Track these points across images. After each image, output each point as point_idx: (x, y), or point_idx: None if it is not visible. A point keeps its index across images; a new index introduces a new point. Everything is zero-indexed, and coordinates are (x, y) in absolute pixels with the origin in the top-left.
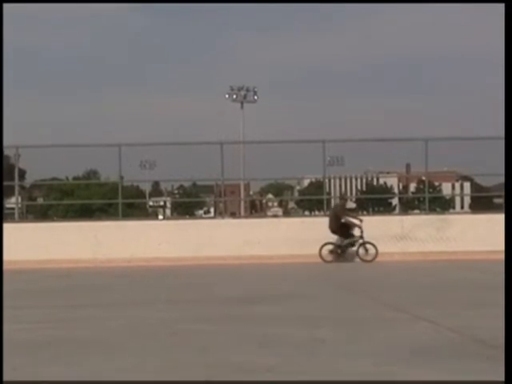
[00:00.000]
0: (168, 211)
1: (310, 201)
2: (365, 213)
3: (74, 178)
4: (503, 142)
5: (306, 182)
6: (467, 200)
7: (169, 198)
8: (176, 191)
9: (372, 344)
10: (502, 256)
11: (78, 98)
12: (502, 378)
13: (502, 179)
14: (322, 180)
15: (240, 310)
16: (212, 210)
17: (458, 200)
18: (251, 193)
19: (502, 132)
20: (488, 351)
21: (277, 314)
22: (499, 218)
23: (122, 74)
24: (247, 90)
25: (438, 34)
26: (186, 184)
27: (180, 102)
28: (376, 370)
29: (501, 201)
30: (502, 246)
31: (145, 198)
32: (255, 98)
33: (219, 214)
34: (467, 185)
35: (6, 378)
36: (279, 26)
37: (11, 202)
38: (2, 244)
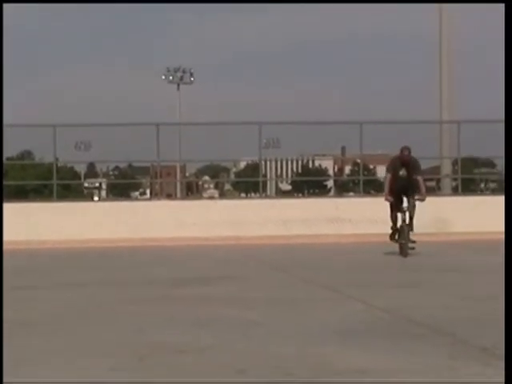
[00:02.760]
0: (104, 193)
1: (246, 183)
2: (300, 195)
3: (8, 159)
4: (438, 125)
5: (243, 165)
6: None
7: (104, 180)
8: (112, 173)
9: (305, 325)
10: (440, 238)
11: (11, 78)
12: (431, 358)
13: (436, 162)
14: (258, 162)
15: (174, 292)
16: (148, 191)
17: None
18: (187, 174)
19: (436, 116)
20: (418, 330)
21: (211, 296)
22: (434, 200)
23: (57, 53)
24: (183, 72)
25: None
26: (122, 165)
27: (116, 83)
28: (308, 351)
29: (433, 184)
30: (439, 229)
31: (80, 179)
32: (191, 79)
33: (155, 195)
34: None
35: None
36: (216, 8)
37: None
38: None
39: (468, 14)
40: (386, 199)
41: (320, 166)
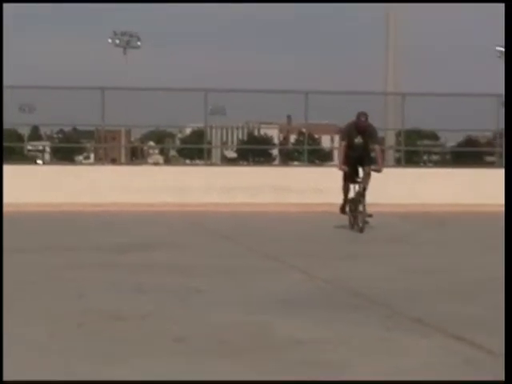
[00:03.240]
0: (47, 156)
1: (192, 149)
2: (245, 163)
3: None
4: (383, 97)
5: (188, 131)
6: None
7: (48, 143)
8: (56, 136)
9: (246, 293)
10: (384, 209)
11: None
12: (367, 328)
13: (380, 133)
14: (203, 129)
15: (117, 258)
16: (92, 155)
17: (336, 152)
18: (132, 140)
19: (382, 87)
20: (357, 301)
21: (153, 262)
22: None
23: (4, 15)
24: (130, 36)
25: None
26: (66, 129)
27: (63, 46)
28: (248, 319)
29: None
30: (380, 199)
31: (23, 142)
32: (138, 43)
33: (99, 160)
34: None
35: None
36: None
37: None
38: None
39: None
40: (340, 168)
41: (265, 134)
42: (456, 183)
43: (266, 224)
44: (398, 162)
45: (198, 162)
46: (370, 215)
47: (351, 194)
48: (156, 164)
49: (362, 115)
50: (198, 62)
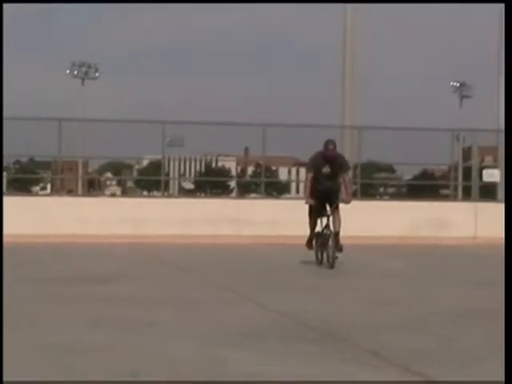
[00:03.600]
0: (4, 187)
1: (149, 181)
2: (203, 195)
3: None
4: (339, 129)
5: (146, 162)
6: (303, 185)
7: (5, 173)
8: (12, 166)
9: (202, 326)
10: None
11: None
12: (322, 362)
13: None
14: (161, 160)
15: (72, 290)
16: (49, 186)
17: (293, 185)
18: (89, 171)
19: (338, 120)
20: (312, 334)
21: (110, 295)
22: None
23: None
24: (89, 67)
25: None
26: (23, 159)
27: (19, 75)
28: (203, 353)
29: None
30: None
31: None
32: (96, 74)
33: (55, 191)
34: (303, 170)
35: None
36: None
37: None
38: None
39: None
40: (307, 202)
41: (223, 166)
42: (412, 216)
43: (223, 256)
44: (355, 195)
45: (155, 193)
46: (341, 249)
47: (318, 228)
48: (113, 195)
49: (330, 143)
50: (156, 93)
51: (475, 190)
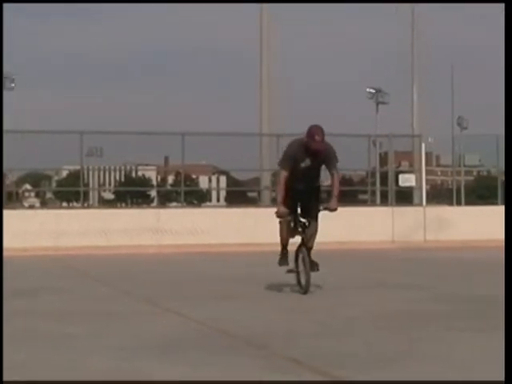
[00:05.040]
0: None
1: (68, 192)
2: (123, 205)
3: None
4: (258, 138)
5: (65, 173)
6: (223, 193)
7: None
8: None
9: (120, 338)
10: (257, 248)
11: None
12: (244, 370)
13: (256, 174)
14: (79, 171)
15: None
16: None
17: (214, 193)
18: (7, 183)
19: (256, 129)
20: (233, 342)
21: (28, 308)
22: (252, 212)
23: None
24: (5, 77)
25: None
26: None
27: None
28: (123, 365)
29: (255, 194)
30: (255, 239)
31: None
32: (12, 85)
33: None
34: (223, 178)
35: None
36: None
37: None
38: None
39: (291, 26)
40: (279, 212)
41: (143, 175)
42: (333, 220)
43: (143, 266)
44: (274, 202)
45: (75, 204)
46: (316, 267)
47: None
48: (32, 207)
49: (318, 132)
50: (74, 103)
51: (392, 195)
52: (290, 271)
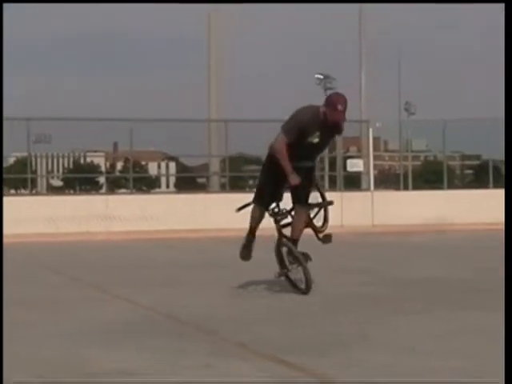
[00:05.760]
0: None
1: (16, 179)
2: (72, 191)
3: None
4: (206, 124)
5: (12, 160)
6: (172, 180)
7: None
8: None
9: (68, 325)
10: (206, 234)
11: None
12: (191, 356)
13: (205, 160)
14: (27, 158)
15: None
16: None
17: (163, 179)
18: None
19: (205, 115)
20: (181, 328)
21: None
22: (201, 198)
23: None
24: None
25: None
26: None
27: None
28: (71, 352)
29: (204, 180)
30: (205, 225)
31: None
32: None
33: None
34: (172, 165)
35: None
36: None
37: None
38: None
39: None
40: (294, 181)
41: (92, 162)
42: (282, 206)
43: (92, 253)
44: (223, 188)
45: (23, 191)
46: (308, 257)
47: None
48: None
49: (340, 99)
50: (20, 90)
51: (340, 180)
52: (281, 275)
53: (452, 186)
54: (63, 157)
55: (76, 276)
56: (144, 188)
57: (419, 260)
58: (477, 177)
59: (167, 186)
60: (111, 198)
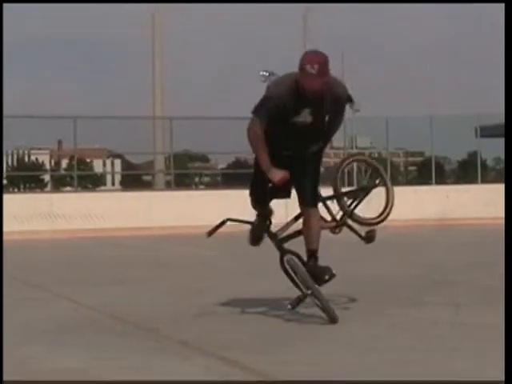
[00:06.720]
0: None
1: None
2: (16, 190)
3: None
4: (151, 121)
5: None
6: (118, 177)
7: None
8: None
9: (9, 325)
10: (150, 232)
11: None
12: (134, 355)
13: (150, 157)
14: None
15: None
16: None
17: (109, 177)
18: None
19: (150, 112)
20: (123, 327)
21: None
22: (147, 195)
23: None
24: None
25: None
26: None
27: None
28: (13, 352)
29: (149, 178)
30: (149, 223)
31: None
32: None
33: None
34: (118, 162)
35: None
36: None
37: None
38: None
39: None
40: (275, 178)
41: (36, 159)
42: (228, 204)
43: (34, 253)
44: (168, 185)
45: None
46: (329, 272)
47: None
48: None
49: (311, 58)
50: None
51: None
52: (293, 306)
53: (396, 182)
54: (7, 155)
55: (17, 275)
56: (89, 186)
57: (366, 258)
58: (420, 173)
59: (113, 184)
60: (55, 196)
